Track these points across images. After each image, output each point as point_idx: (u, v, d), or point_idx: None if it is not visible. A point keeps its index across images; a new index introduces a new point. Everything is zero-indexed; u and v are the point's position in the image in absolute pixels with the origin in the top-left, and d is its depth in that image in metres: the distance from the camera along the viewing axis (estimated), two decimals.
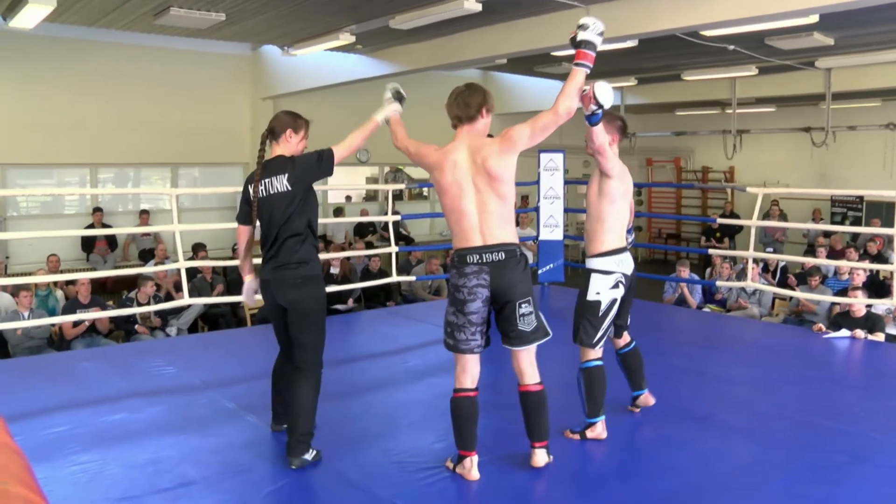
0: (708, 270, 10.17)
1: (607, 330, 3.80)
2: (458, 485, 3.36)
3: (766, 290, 8.22)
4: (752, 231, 7.40)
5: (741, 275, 8.65)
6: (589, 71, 3.25)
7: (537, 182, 8.14)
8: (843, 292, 7.33)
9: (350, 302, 7.78)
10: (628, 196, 3.89)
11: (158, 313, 7.73)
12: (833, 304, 7.38)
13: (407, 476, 3.44)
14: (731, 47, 9.59)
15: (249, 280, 3.86)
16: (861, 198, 14.95)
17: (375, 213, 13.29)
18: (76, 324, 7.23)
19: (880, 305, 6.84)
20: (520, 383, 3.41)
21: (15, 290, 7.39)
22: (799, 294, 7.72)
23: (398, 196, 14.30)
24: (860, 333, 6.26)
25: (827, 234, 12.09)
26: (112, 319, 7.50)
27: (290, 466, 3.50)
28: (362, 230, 13.09)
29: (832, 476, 3.47)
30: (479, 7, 7.08)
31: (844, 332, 6.31)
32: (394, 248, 7.61)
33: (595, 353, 3.81)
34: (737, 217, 13.71)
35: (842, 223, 14.78)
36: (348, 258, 9.83)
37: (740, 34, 8.25)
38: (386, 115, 3.75)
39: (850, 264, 8.16)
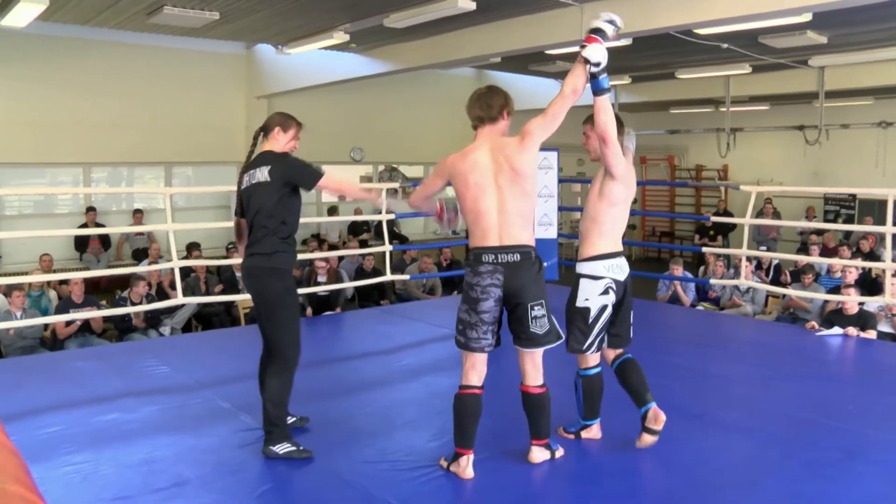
0: (702, 268, 10.19)
1: (598, 336, 3.66)
2: (452, 483, 3.36)
3: (759, 287, 8.25)
4: (746, 229, 7.42)
5: (734, 273, 8.67)
6: (591, 56, 3.28)
7: None
8: (835, 290, 7.36)
9: (338, 309, 7.84)
10: (629, 202, 3.73)
11: (151, 314, 7.70)
12: (826, 301, 7.40)
13: (401, 475, 3.44)
14: (725, 45, 9.61)
15: None
16: (854, 196, 14.99)
17: (369, 211, 13.28)
18: (69, 323, 7.20)
19: (872, 303, 6.86)
20: (522, 383, 3.43)
21: (7, 290, 7.36)
22: (791, 292, 7.75)
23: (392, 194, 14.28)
24: (852, 331, 6.29)
25: (820, 233, 12.13)
26: (106, 318, 7.47)
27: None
28: (356, 229, 13.09)
29: (827, 473, 3.48)
30: (473, 5, 7.07)
31: (837, 330, 6.33)
32: (388, 247, 7.61)
33: (593, 360, 3.73)
34: (730, 215, 13.74)
35: (835, 221, 14.83)
36: (340, 258, 9.82)
37: (734, 32, 8.27)
38: (395, 204, 3.82)
39: (843, 262, 8.20)
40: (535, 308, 3.29)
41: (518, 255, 3.26)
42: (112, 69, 10.78)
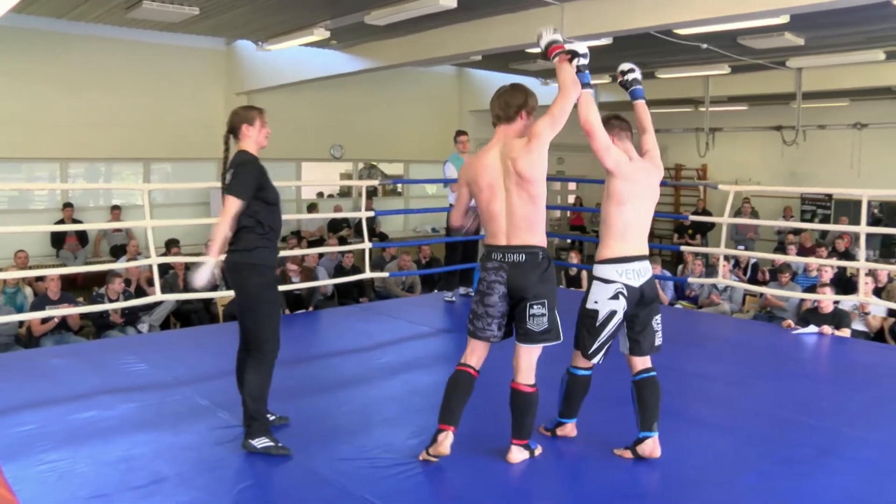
0: (680, 267, 10.27)
1: (606, 342, 3.58)
2: (431, 480, 3.37)
3: (737, 286, 8.32)
4: (724, 228, 7.48)
5: (712, 271, 8.74)
6: (568, 54, 3.45)
7: None
8: (811, 289, 7.45)
9: (311, 308, 7.85)
10: (642, 201, 3.58)
11: (129, 311, 7.63)
12: (802, 300, 7.48)
13: (380, 472, 3.44)
14: (705, 46, 9.69)
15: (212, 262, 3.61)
16: (830, 196, 15.16)
17: (349, 209, 13.25)
18: (45, 320, 7.11)
19: (847, 302, 6.95)
20: (513, 379, 3.46)
21: None
22: (768, 290, 7.82)
23: (372, 192, 14.28)
24: (827, 329, 6.37)
25: (797, 232, 12.26)
26: (84, 315, 7.39)
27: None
28: (336, 226, 13.06)
29: (802, 470, 3.53)
30: (454, 3, 7.08)
31: (812, 328, 6.41)
32: (367, 245, 7.59)
33: (586, 364, 3.67)
34: (709, 214, 13.86)
35: (811, 221, 14.98)
36: (320, 255, 9.79)
37: (713, 33, 8.34)
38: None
39: (819, 261, 8.29)
40: (535, 306, 3.35)
41: (523, 256, 3.35)
42: (90, 64, 10.67)
